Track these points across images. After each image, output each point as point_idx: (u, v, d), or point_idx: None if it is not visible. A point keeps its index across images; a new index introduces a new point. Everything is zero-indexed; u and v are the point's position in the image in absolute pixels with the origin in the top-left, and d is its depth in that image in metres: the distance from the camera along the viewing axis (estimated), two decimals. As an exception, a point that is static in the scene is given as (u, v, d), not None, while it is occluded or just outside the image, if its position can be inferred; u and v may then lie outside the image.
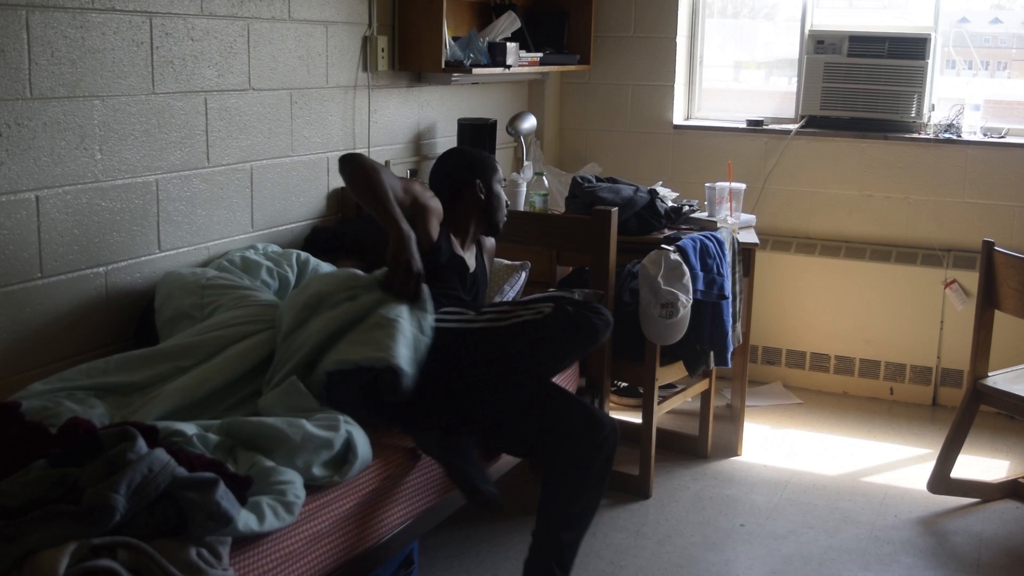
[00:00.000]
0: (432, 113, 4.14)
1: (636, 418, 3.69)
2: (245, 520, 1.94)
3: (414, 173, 4.04)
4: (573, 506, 2.63)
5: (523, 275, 3.40)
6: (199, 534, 1.84)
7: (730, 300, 3.52)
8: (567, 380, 3.17)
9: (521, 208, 3.93)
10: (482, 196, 3.04)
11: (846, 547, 3.23)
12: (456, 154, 3.19)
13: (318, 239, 3.40)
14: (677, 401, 3.85)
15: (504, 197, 3.13)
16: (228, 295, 2.75)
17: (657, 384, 3.53)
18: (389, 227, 2.69)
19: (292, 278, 2.99)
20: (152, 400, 2.41)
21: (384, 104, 3.84)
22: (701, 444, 3.92)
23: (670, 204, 3.88)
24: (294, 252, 3.09)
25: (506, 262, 3.45)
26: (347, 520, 2.27)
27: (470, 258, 3.06)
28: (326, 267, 3.10)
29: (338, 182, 3.64)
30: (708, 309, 3.46)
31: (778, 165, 4.71)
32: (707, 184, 4.00)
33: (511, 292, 3.33)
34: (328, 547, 2.21)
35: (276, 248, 3.19)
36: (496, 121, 4.09)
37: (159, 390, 2.44)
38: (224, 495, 1.86)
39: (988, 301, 3.43)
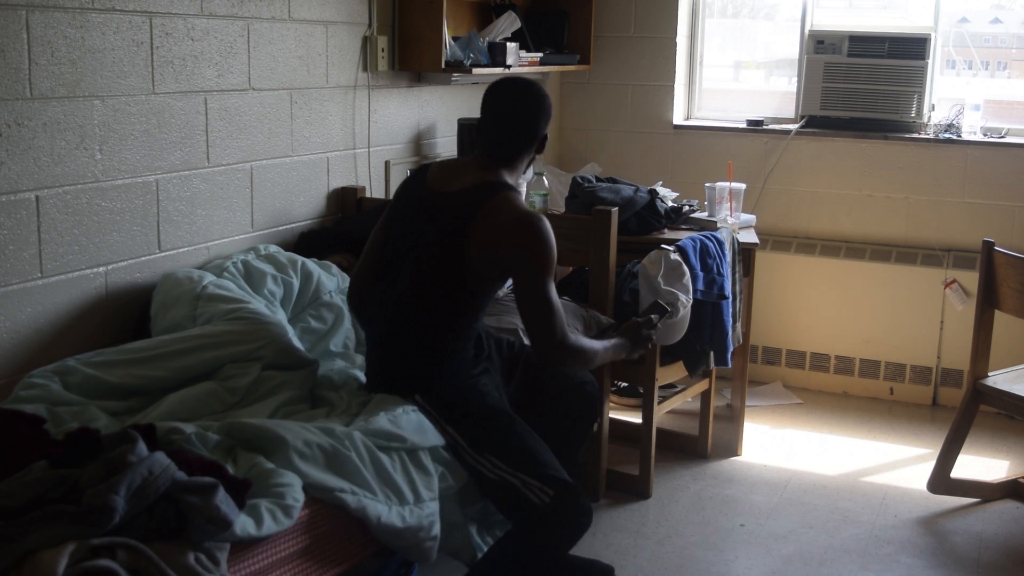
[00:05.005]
0: (432, 113, 4.14)
1: (636, 418, 3.68)
2: (243, 524, 1.93)
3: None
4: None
5: None
6: (198, 538, 1.84)
7: (730, 300, 3.52)
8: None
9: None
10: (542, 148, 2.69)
11: (846, 547, 3.23)
12: (532, 95, 2.59)
13: (303, 243, 3.39)
14: (677, 401, 3.84)
15: None
16: (220, 308, 2.72)
17: (657, 384, 3.52)
18: (619, 354, 2.78)
19: (297, 285, 2.98)
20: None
21: (384, 104, 3.84)
22: (701, 444, 3.92)
23: (670, 204, 3.88)
24: (299, 259, 3.07)
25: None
26: (345, 522, 2.27)
27: None
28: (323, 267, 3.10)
29: (338, 182, 3.64)
30: (708, 309, 3.45)
31: (778, 165, 4.71)
32: (707, 184, 4.00)
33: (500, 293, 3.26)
34: (327, 549, 2.21)
35: (278, 249, 3.17)
36: (496, 121, 4.09)
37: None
38: (224, 500, 1.87)
39: (988, 301, 3.43)
